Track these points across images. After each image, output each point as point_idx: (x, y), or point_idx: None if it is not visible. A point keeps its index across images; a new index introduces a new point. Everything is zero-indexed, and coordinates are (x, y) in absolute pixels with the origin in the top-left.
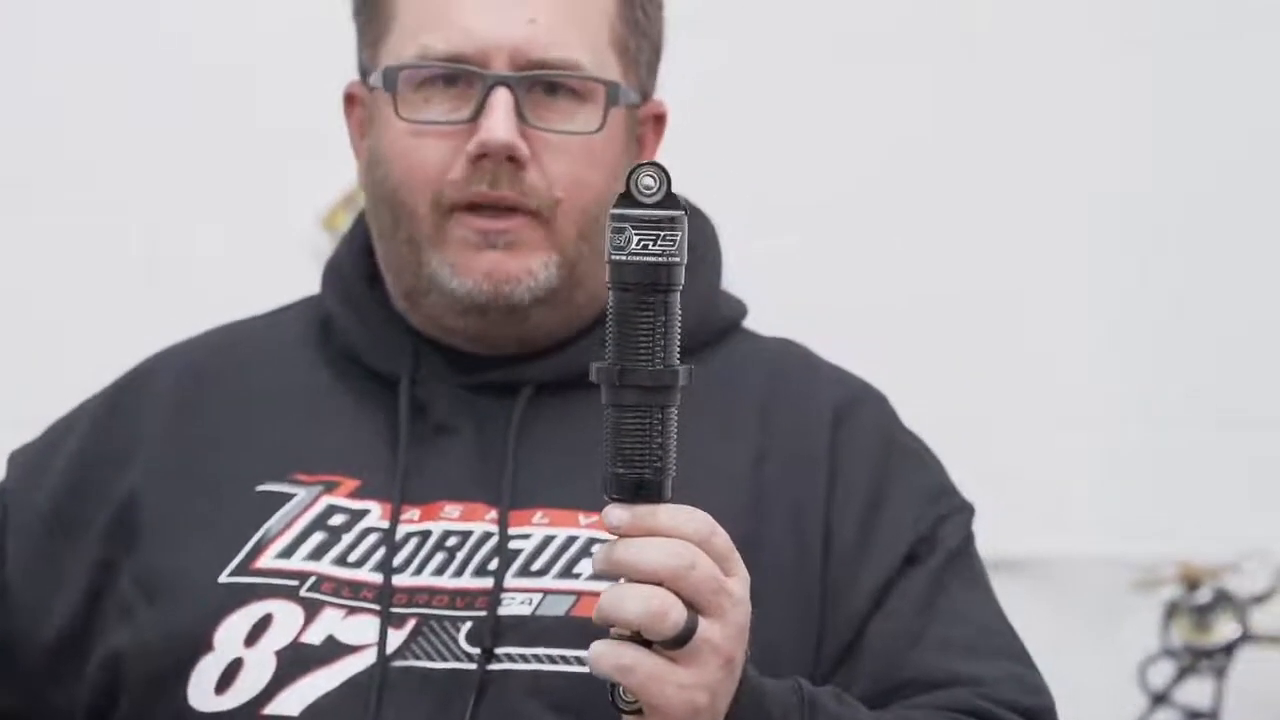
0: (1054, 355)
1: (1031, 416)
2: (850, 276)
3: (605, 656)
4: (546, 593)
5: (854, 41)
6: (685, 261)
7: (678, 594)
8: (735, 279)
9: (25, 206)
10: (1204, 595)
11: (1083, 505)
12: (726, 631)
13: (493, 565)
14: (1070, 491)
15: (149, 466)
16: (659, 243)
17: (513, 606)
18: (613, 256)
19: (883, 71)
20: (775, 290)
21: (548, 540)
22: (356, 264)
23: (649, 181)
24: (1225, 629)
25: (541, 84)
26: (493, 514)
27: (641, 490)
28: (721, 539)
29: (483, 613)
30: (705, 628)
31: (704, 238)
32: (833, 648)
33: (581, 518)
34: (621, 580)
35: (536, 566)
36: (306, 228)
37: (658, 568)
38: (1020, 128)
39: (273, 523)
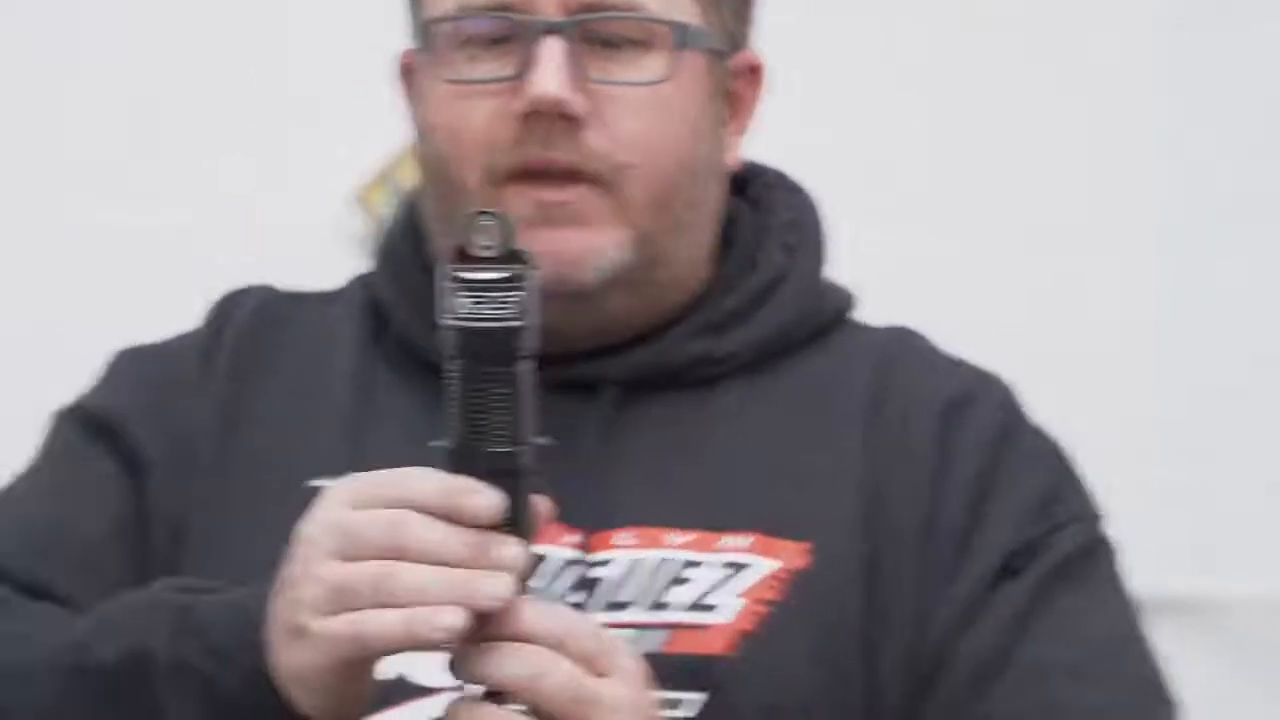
0: (1210, 365)
1: (1190, 433)
2: (984, 279)
3: None
4: (636, 627)
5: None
6: (534, 323)
7: (535, 708)
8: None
9: (51, 203)
10: None
11: (1251, 535)
12: None
13: (574, 597)
14: (1234, 519)
15: (213, 408)
16: (493, 305)
17: None
18: (441, 321)
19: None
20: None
21: (634, 565)
22: (408, 249)
23: (485, 233)
24: None
25: (600, 35)
26: (572, 537)
27: None
28: (586, 637)
29: None
30: None
31: (806, 218)
32: (915, 677)
33: (674, 537)
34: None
35: (622, 597)
36: (339, 206)
37: (502, 679)
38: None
39: None
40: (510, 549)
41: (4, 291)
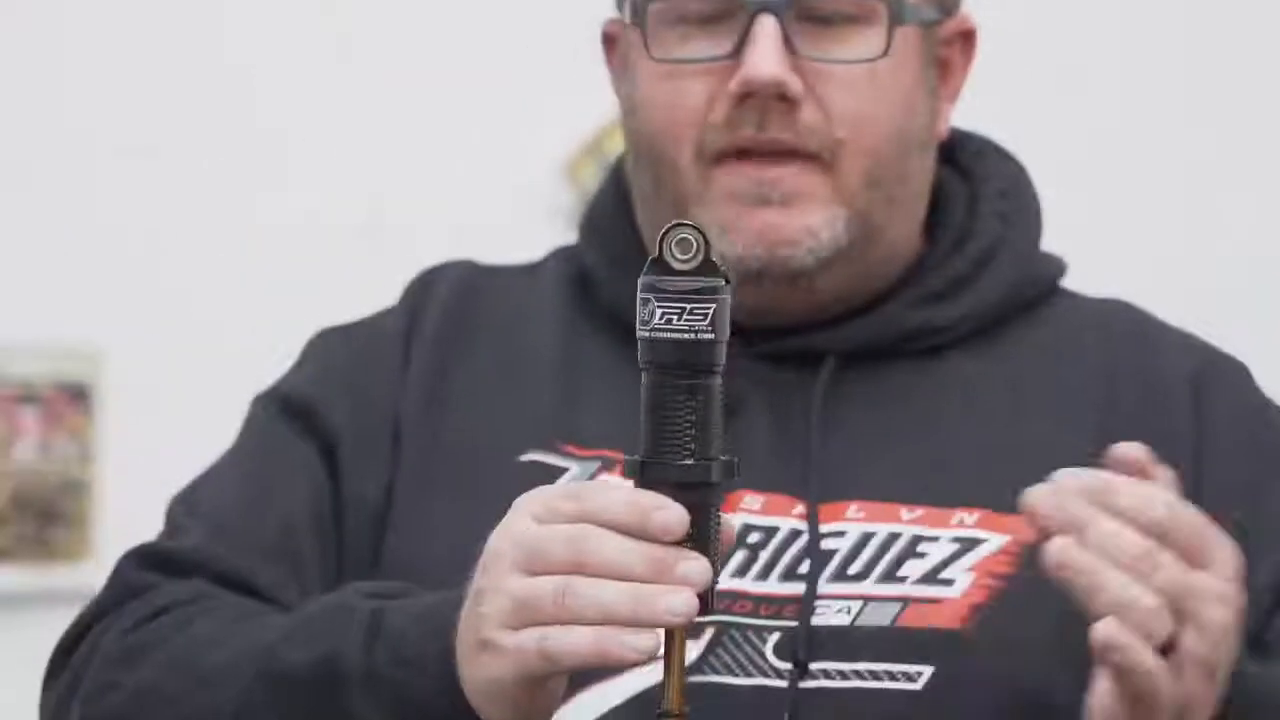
0: None
1: None
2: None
3: (1134, 649)
4: (868, 599)
5: None
6: (725, 338)
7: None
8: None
9: (244, 194)
10: None
11: None
12: (1199, 641)
13: (804, 568)
14: None
15: (416, 387)
16: (686, 317)
17: (828, 615)
18: (638, 332)
19: None
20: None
21: (866, 538)
22: (616, 218)
23: (682, 245)
24: None
25: (814, 11)
26: (800, 508)
27: None
28: (1185, 525)
29: (793, 622)
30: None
31: (1019, 185)
32: None
33: (904, 511)
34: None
35: (854, 569)
36: (546, 178)
37: (1116, 572)
38: None
39: None
40: (693, 564)
41: (213, 280)
